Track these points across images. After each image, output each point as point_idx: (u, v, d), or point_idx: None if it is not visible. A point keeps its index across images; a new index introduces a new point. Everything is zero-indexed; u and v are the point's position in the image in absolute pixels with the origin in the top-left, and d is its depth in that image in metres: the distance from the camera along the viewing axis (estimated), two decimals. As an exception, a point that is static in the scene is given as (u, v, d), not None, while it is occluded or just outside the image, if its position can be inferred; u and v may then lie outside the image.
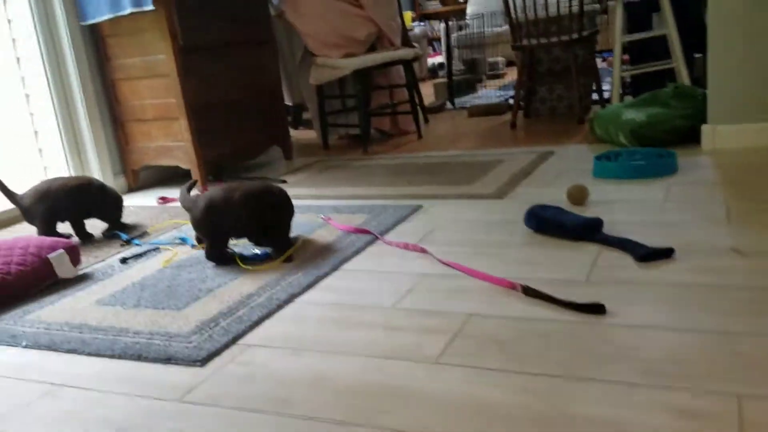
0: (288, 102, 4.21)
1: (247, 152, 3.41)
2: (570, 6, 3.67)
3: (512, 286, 1.54)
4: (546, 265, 1.68)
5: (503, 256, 1.78)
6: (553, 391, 1.11)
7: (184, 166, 3.10)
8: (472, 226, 2.07)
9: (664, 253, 1.64)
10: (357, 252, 1.96)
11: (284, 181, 3.08)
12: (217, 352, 1.43)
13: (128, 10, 2.84)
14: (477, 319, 1.42)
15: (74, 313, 1.73)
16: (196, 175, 3.05)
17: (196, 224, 1.98)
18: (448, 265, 1.75)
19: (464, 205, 2.33)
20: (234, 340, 1.48)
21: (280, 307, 1.63)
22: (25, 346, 1.55)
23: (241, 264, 1.94)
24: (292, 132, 4.60)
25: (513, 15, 3.67)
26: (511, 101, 4.66)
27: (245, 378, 1.30)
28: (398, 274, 1.74)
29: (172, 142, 3.09)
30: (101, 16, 2.94)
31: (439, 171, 2.91)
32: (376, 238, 2.05)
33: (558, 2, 3.71)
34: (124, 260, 2.10)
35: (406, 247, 1.93)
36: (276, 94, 3.57)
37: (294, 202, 2.66)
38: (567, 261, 1.69)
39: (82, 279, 1.99)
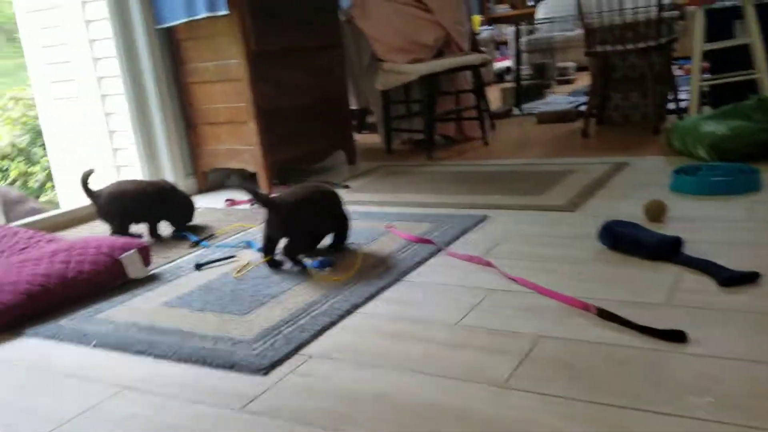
0: (353, 106, 4.22)
1: (312, 156, 3.43)
2: (647, 12, 3.52)
3: (585, 308, 1.48)
4: (621, 286, 1.60)
5: (575, 274, 1.70)
6: (626, 424, 1.05)
7: (250, 169, 3.14)
8: (542, 240, 2.00)
9: (749, 278, 1.53)
10: (420, 263, 1.93)
11: (347, 186, 3.08)
12: (279, 362, 1.42)
13: (203, 15, 2.89)
14: (547, 341, 1.36)
15: (143, 314, 1.76)
16: (262, 178, 3.09)
17: (280, 225, 1.99)
18: (515, 281, 1.69)
19: (533, 216, 2.26)
20: (296, 350, 1.47)
21: (341, 317, 1.62)
22: (95, 346, 1.59)
23: (311, 273, 1.93)
24: (356, 136, 4.60)
25: (587, 20, 3.56)
26: (582, 108, 4.53)
27: (306, 390, 1.28)
28: (463, 288, 1.70)
29: (240, 145, 3.14)
30: (177, 19, 3.01)
31: (505, 180, 2.84)
32: (440, 249, 2.01)
33: (635, 8, 3.57)
34: (198, 266, 2.10)
35: (470, 259, 1.88)
36: (343, 98, 3.58)
37: (356, 208, 2.66)
38: (644, 282, 1.61)
39: (152, 279, 2.03)
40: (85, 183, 2.40)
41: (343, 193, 2.92)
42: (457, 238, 2.12)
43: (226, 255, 2.18)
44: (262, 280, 1.92)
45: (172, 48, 3.19)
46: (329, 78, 3.43)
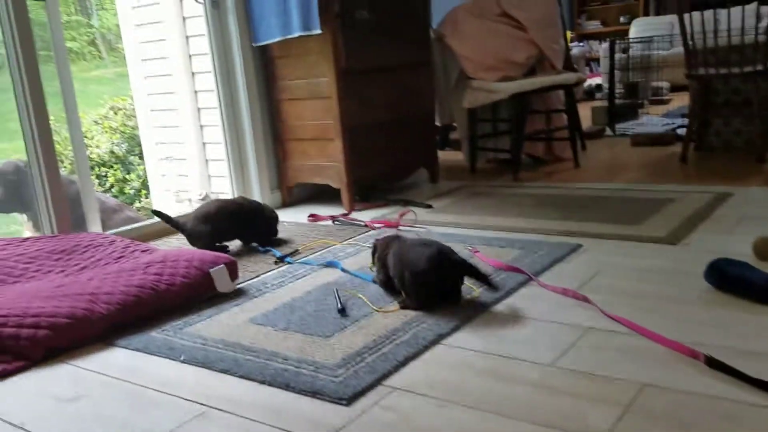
0: (437, 122, 4.17)
1: (395, 174, 3.41)
2: (754, 34, 3.30)
3: (693, 355, 1.36)
4: (733, 331, 1.47)
5: (680, 315, 1.58)
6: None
7: (334, 185, 3.15)
8: (642, 275, 1.88)
9: None
10: (508, 293, 1.85)
11: (429, 206, 3.03)
12: (362, 392, 1.38)
13: (297, 33, 2.93)
14: (652, 391, 1.26)
15: (229, 330, 1.77)
16: (345, 195, 3.09)
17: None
18: (615, 319, 1.59)
19: (630, 248, 2.14)
20: (379, 381, 1.42)
21: (426, 347, 1.56)
22: (183, 361, 1.60)
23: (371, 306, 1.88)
24: (438, 153, 4.55)
25: (689, 41, 3.38)
26: (679, 131, 4.31)
27: (389, 427, 1.24)
28: (557, 324, 1.61)
29: (326, 161, 3.15)
30: (272, 38, 3.06)
31: (599, 206, 2.72)
32: (530, 278, 1.93)
33: (741, 29, 3.36)
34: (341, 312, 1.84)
35: (564, 293, 1.79)
36: (429, 116, 3.54)
37: (438, 229, 2.60)
38: (756, 328, 1.47)
39: (238, 294, 2.04)
40: (166, 219, 2.47)
41: (425, 213, 2.88)
42: (548, 267, 2.02)
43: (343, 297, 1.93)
44: (344, 301, 1.90)
45: (266, 65, 3.25)
46: (416, 95, 3.41)
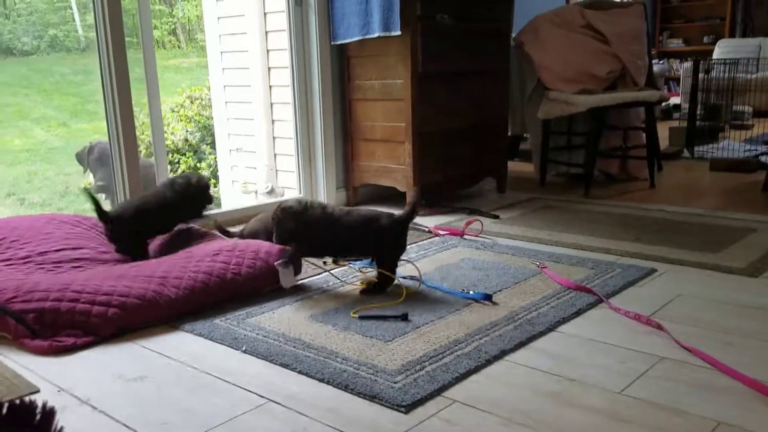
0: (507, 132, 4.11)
1: (461, 181, 3.37)
2: None
3: (777, 398, 1.28)
4: (821, 377, 1.37)
5: (761, 352, 1.49)
6: None
7: (400, 188, 3.14)
8: (721, 306, 1.79)
9: None
10: (577, 313, 1.79)
11: (496, 216, 2.98)
12: (421, 401, 1.36)
13: (377, 34, 2.93)
14: (727, 431, 1.19)
15: (290, 325, 1.78)
16: (410, 198, 3.07)
17: None
18: (690, 351, 1.51)
19: (708, 277, 2.04)
20: (439, 391, 1.40)
21: (488, 362, 1.53)
22: (244, 351, 1.62)
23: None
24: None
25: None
26: (762, 158, 4.11)
27: (451, 439, 1.21)
28: (628, 350, 1.54)
29: (393, 164, 3.14)
30: (351, 37, 3.08)
31: (675, 230, 2.61)
32: (601, 300, 1.86)
33: None
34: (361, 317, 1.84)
35: (637, 318, 1.72)
36: (500, 125, 3.48)
37: (505, 241, 2.55)
38: None
39: (299, 289, 2.05)
40: (222, 230, 2.46)
41: (491, 223, 2.83)
42: (620, 290, 1.95)
43: (391, 314, 1.85)
44: (403, 308, 1.88)
45: (341, 64, 3.27)
46: (489, 103, 3.36)
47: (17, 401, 1.01)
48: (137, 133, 2.69)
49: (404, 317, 1.78)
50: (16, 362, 1.58)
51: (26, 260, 2.07)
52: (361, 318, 1.80)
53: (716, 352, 1.49)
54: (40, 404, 1.02)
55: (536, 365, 1.49)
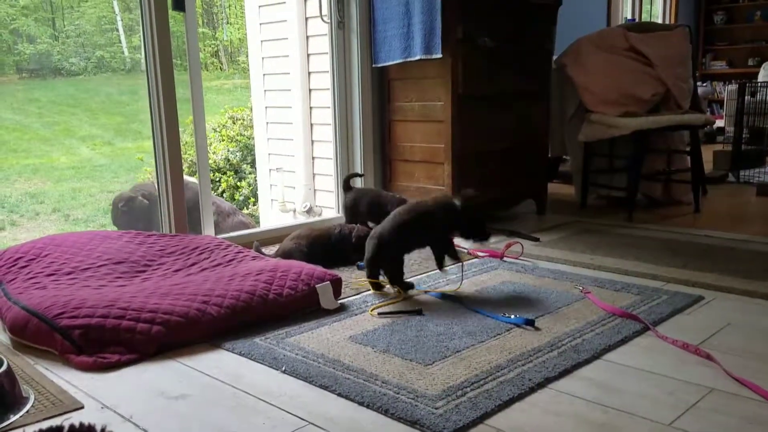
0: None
1: (501, 203, 3.34)
2: None
3: (839, 437, 1.22)
4: None
5: (819, 388, 1.43)
6: None
7: (440, 209, 3.12)
8: (772, 338, 1.73)
9: None
10: (623, 341, 1.74)
11: (537, 239, 2.94)
12: (463, 428, 1.33)
13: (418, 57, 2.95)
14: (787, 470, 1.14)
15: (330, 346, 1.77)
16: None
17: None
18: (742, 383, 1.46)
19: (759, 306, 1.97)
20: (482, 418, 1.37)
21: (532, 389, 1.49)
22: (284, 371, 1.62)
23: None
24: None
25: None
26: (814, 183, 3.98)
27: (494, 468, 1.18)
28: (676, 381, 1.49)
29: (432, 185, 3.14)
30: (393, 60, 3.10)
31: (722, 256, 2.54)
32: (648, 328, 1.81)
33: None
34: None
35: (685, 347, 1.66)
36: (541, 147, 3.46)
37: (546, 264, 2.51)
38: None
39: (339, 310, 2.05)
40: (259, 251, 2.51)
41: (531, 246, 2.79)
42: (667, 318, 1.89)
43: (409, 309, 2.02)
44: (445, 329, 1.86)
45: (382, 86, 3.29)
46: (530, 125, 3.34)
47: (77, 423, 1.02)
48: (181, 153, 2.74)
49: (419, 312, 1.91)
50: (61, 377, 1.60)
51: (71, 275, 2.11)
52: (380, 315, 1.95)
53: (770, 385, 1.44)
54: (98, 428, 1.03)
55: (581, 394, 1.45)
